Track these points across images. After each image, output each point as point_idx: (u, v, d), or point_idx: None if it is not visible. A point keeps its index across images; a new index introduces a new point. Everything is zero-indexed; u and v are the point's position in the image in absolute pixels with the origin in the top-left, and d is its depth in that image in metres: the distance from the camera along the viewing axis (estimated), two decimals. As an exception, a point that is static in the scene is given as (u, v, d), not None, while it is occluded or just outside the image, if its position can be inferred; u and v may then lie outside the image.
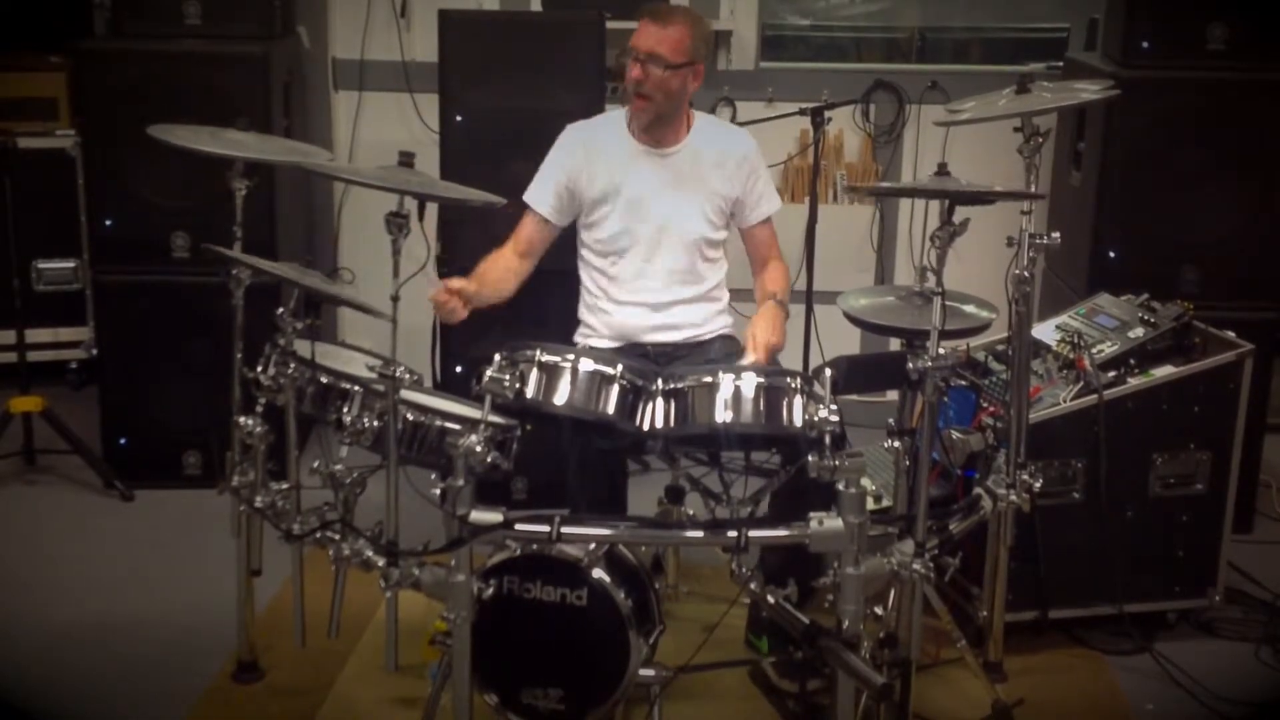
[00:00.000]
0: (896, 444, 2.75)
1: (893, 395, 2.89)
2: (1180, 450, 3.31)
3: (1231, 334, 3.37)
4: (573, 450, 3.01)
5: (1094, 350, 3.29)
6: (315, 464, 2.78)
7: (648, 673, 2.81)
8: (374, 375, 2.58)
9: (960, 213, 2.60)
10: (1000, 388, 3.26)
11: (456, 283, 3.12)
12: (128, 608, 3.48)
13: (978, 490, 2.97)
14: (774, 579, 2.77)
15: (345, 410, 2.70)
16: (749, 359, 3.11)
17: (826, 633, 2.50)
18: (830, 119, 4.34)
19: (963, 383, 3.25)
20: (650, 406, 2.64)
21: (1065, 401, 3.22)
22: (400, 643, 2.86)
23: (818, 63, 4.91)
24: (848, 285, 3.03)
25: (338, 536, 2.75)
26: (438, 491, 2.50)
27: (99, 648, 3.29)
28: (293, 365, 2.80)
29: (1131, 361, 3.29)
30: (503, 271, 3.36)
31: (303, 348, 2.84)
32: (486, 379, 2.56)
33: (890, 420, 2.77)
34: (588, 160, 3.37)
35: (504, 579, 2.77)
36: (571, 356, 2.66)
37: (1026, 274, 2.90)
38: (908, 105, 4.69)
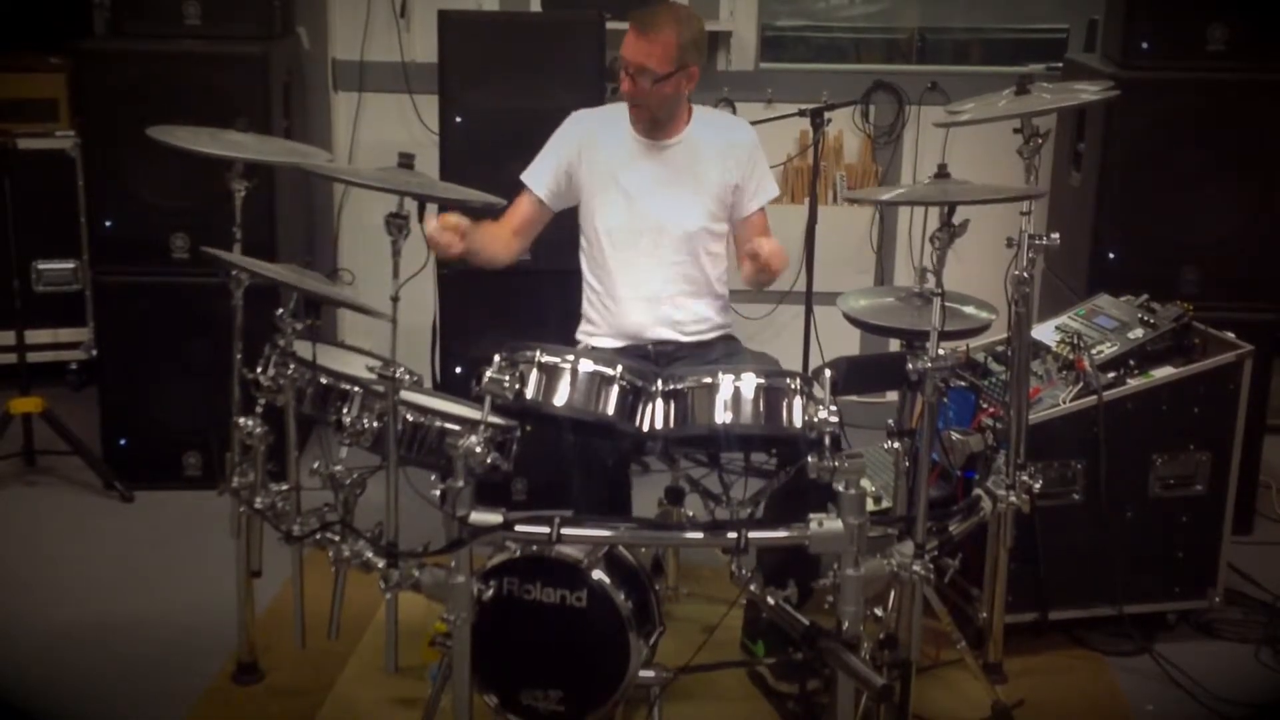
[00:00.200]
0: (896, 445, 2.75)
1: (892, 396, 2.89)
2: (1180, 451, 3.31)
3: (1231, 335, 3.37)
4: (573, 451, 3.01)
5: (1094, 351, 3.29)
6: (315, 465, 2.79)
7: (648, 674, 2.81)
8: (374, 376, 2.58)
9: (960, 214, 2.60)
10: (1000, 389, 3.26)
11: (453, 218, 3.07)
12: (128, 608, 3.48)
13: (977, 491, 2.97)
14: (773, 580, 2.77)
15: (345, 411, 2.70)
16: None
17: (826, 634, 2.51)
18: (830, 120, 4.33)
19: (962, 384, 3.26)
20: (650, 407, 2.64)
21: (1065, 402, 3.22)
22: (400, 644, 2.86)
23: (817, 63, 4.91)
24: (847, 286, 3.03)
25: (338, 538, 2.75)
26: (438, 492, 2.50)
27: (99, 648, 3.29)
28: (292, 366, 2.80)
29: (1131, 362, 3.30)
30: (497, 239, 3.34)
31: (303, 348, 2.84)
32: (486, 380, 2.56)
33: (890, 421, 2.77)
34: (589, 148, 3.37)
35: (504, 580, 2.77)
36: (571, 357, 2.66)
37: (1026, 275, 2.90)
38: (907, 106, 4.69)
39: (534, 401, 2.63)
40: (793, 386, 2.62)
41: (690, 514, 3.28)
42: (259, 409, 2.92)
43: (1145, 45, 3.85)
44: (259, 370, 2.83)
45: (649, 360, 3.27)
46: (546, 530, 2.48)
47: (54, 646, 3.30)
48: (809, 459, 2.46)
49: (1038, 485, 2.99)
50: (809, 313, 4.27)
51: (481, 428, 2.51)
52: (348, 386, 2.76)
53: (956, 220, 2.60)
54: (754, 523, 2.81)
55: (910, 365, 2.57)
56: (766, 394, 2.62)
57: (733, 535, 2.49)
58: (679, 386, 2.64)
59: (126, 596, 3.55)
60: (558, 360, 2.65)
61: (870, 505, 2.67)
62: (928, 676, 3.12)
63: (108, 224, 4.09)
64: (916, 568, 2.61)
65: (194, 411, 4.04)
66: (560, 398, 2.63)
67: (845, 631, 2.47)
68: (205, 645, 3.25)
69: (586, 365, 2.65)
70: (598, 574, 2.76)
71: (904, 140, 4.73)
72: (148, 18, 4.06)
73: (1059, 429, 3.20)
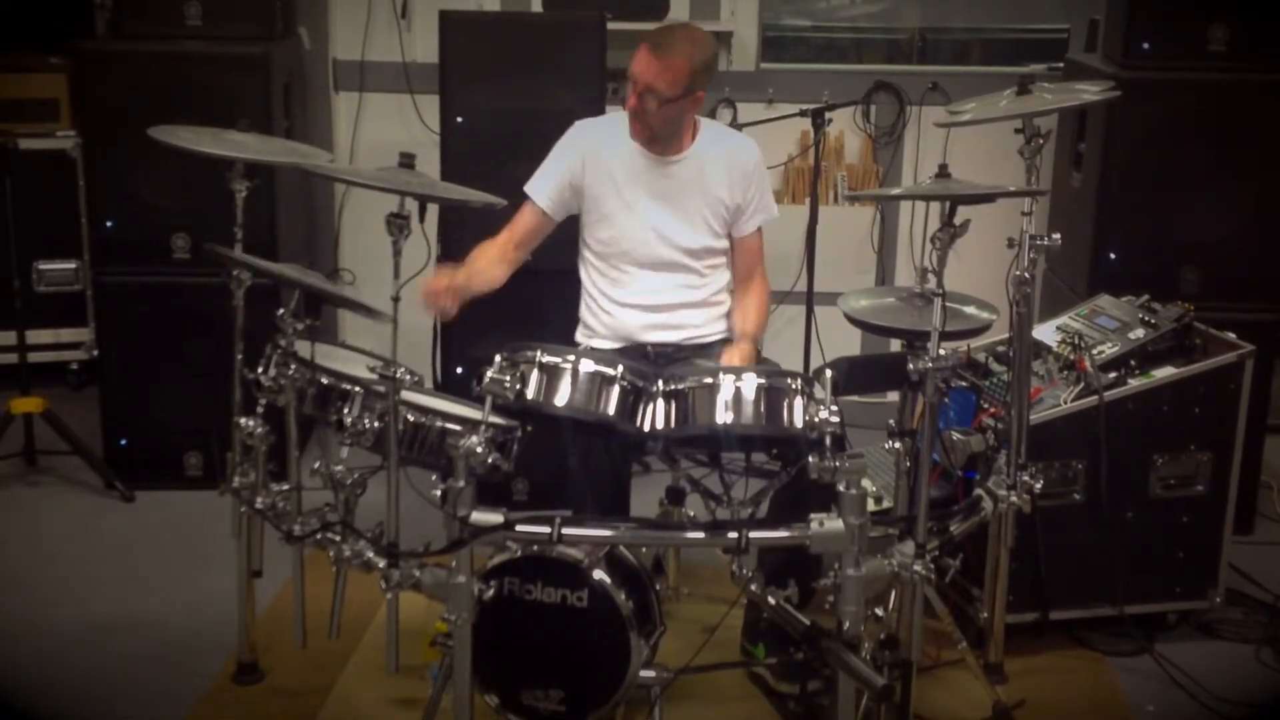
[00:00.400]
0: (897, 445, 2.75)
1: (893, 396, 2.89)
2: (1181, 451, 3.31)
3: (1232, 335, 3.37)
4: (573, 452, 3.01)
5: (1094, 351, 3.29)
6: (316, 465, 2.79)
7: (648, 674, 2.81)
8: (374, 376, 2.58)
9: (961, 214, 2.60)
10: (1001, 389, 3.26)
11: (443, 280, 3.08)
12: (128, 608, 3.48)
13: (978, 491, 2.97)
14: (774, 580, 2.77)
15: (346, 411, 2.70)
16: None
17: (827, 634, 2.50)
18: (831, 120, 4.34)
19: (963, 384, 3.26)
20: (651, 407, 2.64)
21: (1066, 403, 3.22)
22: (401, 644, 2.86)
23: (818, 64, 4.91)
24: (848, 286, 3.03)
25: (338, 538, 2.75)
26: (438, 493, 2.50)
27: (99, 648, 3.29)
28: (293, 366, 2.80)
29: (1132, 362, 3.29)
30: (493, 260, 3.33)
31: (304, 349, 2.84)
32: (487, 380, 2.56)
33: (891, 421, 2.77)
34: (593, 160, 3.37)
35: (505, 580, 2.77)
36: (572, 357, 2.66)
37: (1027, 275, 2.90)
38: (908, 106, 4.69)
39: (535, 402, 2.63)
40: (794, 387, 2.62)
41: (691, 514, 3.29)
42: (260, 409, 2.92)
43: (1146, 45, 3.85)
44: (260, 370, 2.83)
45: (649, 361, 3.27)
46: (547, 530, 2.48)
47: (54, 646, 3.30)
48: (810, 459, 2.46)
49: (1039, 485, 2.99)
50: (810, 313, 4.27)
51: (482, 428, 2.51)
52: (349, 387, 2.75)
53: (957, 220, 2.60)
54: (755, 523, 2.81)
55: (911, 365, 2.57)
56: (767, 394, 2.62)
57: (733, 535, 2.49)
58: (680, 386, 2.64)
59: (126, 596, 3.55)
60: (558, 360, 2.65)
61: (871, 505, 2.68)
62: (928, 676, 3.12)
63: (109, 224, 4.09)
64: (917, 568, 2.61)
65: (195, 411, 4.04)
66: (561, 398, 2.63)
67: (846, 632, 2.47)
68: (205, 645, 3.26)
69: (587, 365, 2.65)
70: (599, 574, 2.77)
71: (905, 140, 4.73)
72: (148, 18, 4.07)
73: (1060, 429, 3.20)
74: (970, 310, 2.81)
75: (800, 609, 2.72)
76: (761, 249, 3.47)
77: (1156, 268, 3.81)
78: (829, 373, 2.59)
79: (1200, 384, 3.29)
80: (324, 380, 2.79)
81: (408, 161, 2.67)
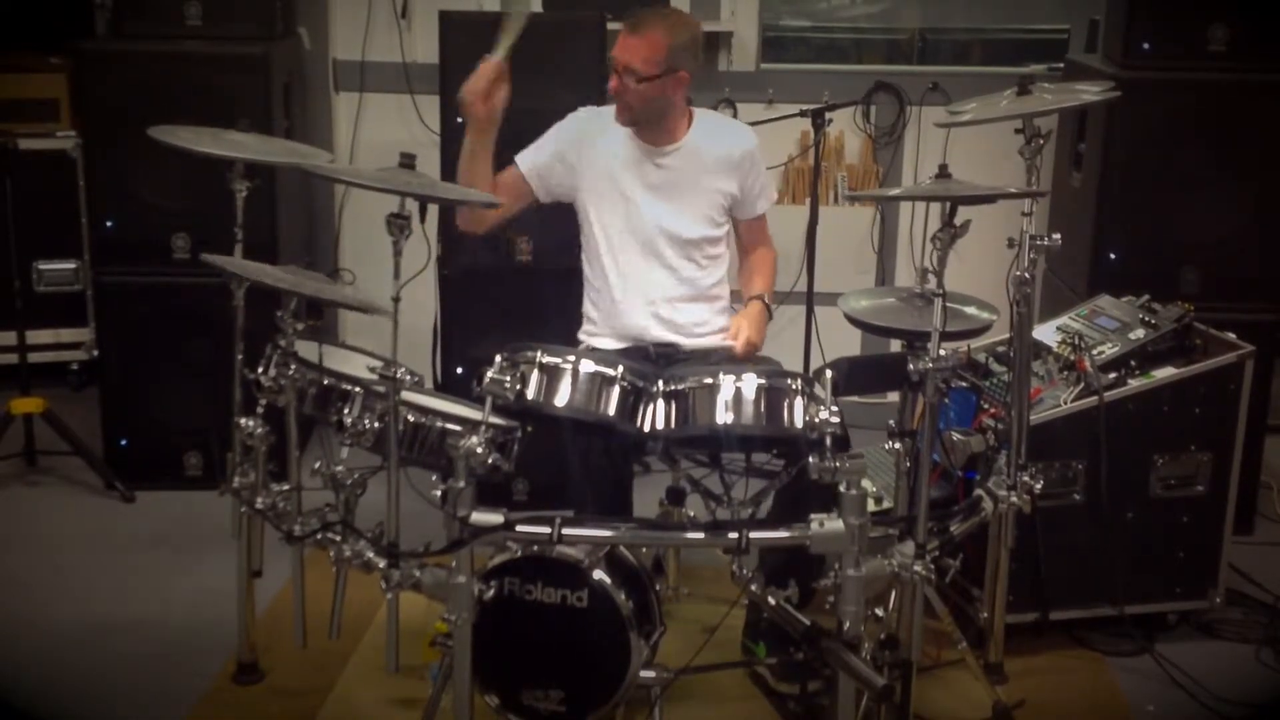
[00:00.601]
0: (897, 445, 2.75)
1: (893, 397, 2.89)
2: (1181, 451, 3.31)
3: (1232, 335, 3.37)
4: (574, 452, 3.01)
5: (1095, 351, 3.29)
6: (316, 465, 2.79)
7: (648, 674, 2.81)
8: (375, 376, 2.58)
9: (961, 214, 2.60)
10: (1001, 389, 3.26)
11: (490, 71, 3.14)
12: (128, 608, 3.49)
13: (978, 492, 2.97)
14: (775, 580, 2.77)
15: (346, 411, 2.70)
16: (724, 343, 3.17)
17: (827, 634, 2.50)
18: (831, 120, 4.34)
19: (963, 384, 3.26)
20: (651, 408, 2.64)
21: (1066, 403, 3.22)
22: (401, 644, 2.85)
23: (818, 64, 4.91)
24: (848, 287, 3.03)
25: (338, 538, 2.75)
26: (439, 493, 2.50)
27: (99, 648, 3.29)
28: (293, 366, 2.80)
29: (1132, 363, 3.29)
30: (487, 173, 3.35)
31: (304, 349, 2.84)
32: (487, 380, 2.56)
33: (891, 422, 2.77)
34: (588, 145, 3.37)
35: (505, 580, 2.76)
36: (572, 358, 2.66)
37: (1027, 275, 2.90)
38: (908, 107, 4.69)
39: (535, 402, 2.63)
40: (794, 387, 2.62)
41: (691, 514, 3.28)
42: (260, 409, 2.92)
43: (1146, 46, 3.85)
44: (260, 370, 2.83)
45: (650, 362, 3.27)
46: (547, 530, 2.48)
47: (54, 646, 3.30)
48: (810, 459, 2.46)
49: (1039, 485, 2.99)
50: (810, 313, 4.27)
51: (482, 428, 2.51)
52: (349, 387, 2.75)
53: (958, 221, 2.60)
54: (755, 523, 2.81)
55: (911, 366, 2.57)
56: (768, 394, 2.62)
57: (734, 535, 2.49)
58: (680, 387, 2.64)
59: (126, 596, 3.55)
60: (559, 361, 2.65)
61: (871, 505, 2.67)
62: (928, 677, 3.12)
63: (109, 224, 4.09)
64: (917, 568, 2.61)
65: (195, 412, 4.04)
66: (561, 398, 2.63)
67: (846, 632, 2.47)
68: (205, 645, 3.26)
69: (587, 366, 2.65)
70: (599, 574, 2.76)
71: (905, 141, 4.73)
72: (149, 18, 4.06)
73: (1060, 429, 3.20)
74: (970, 310, 2.81)
75: (800, 609, 2.72)
76: (766, 226, 3.50)
77: (1156, 268, 3.81)
78: (829, 373, 2.59)
79: (1200, 384, 3.29)
80: (324, 380, 2.79)
81: (408, 162, 2.67)
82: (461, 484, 2.46)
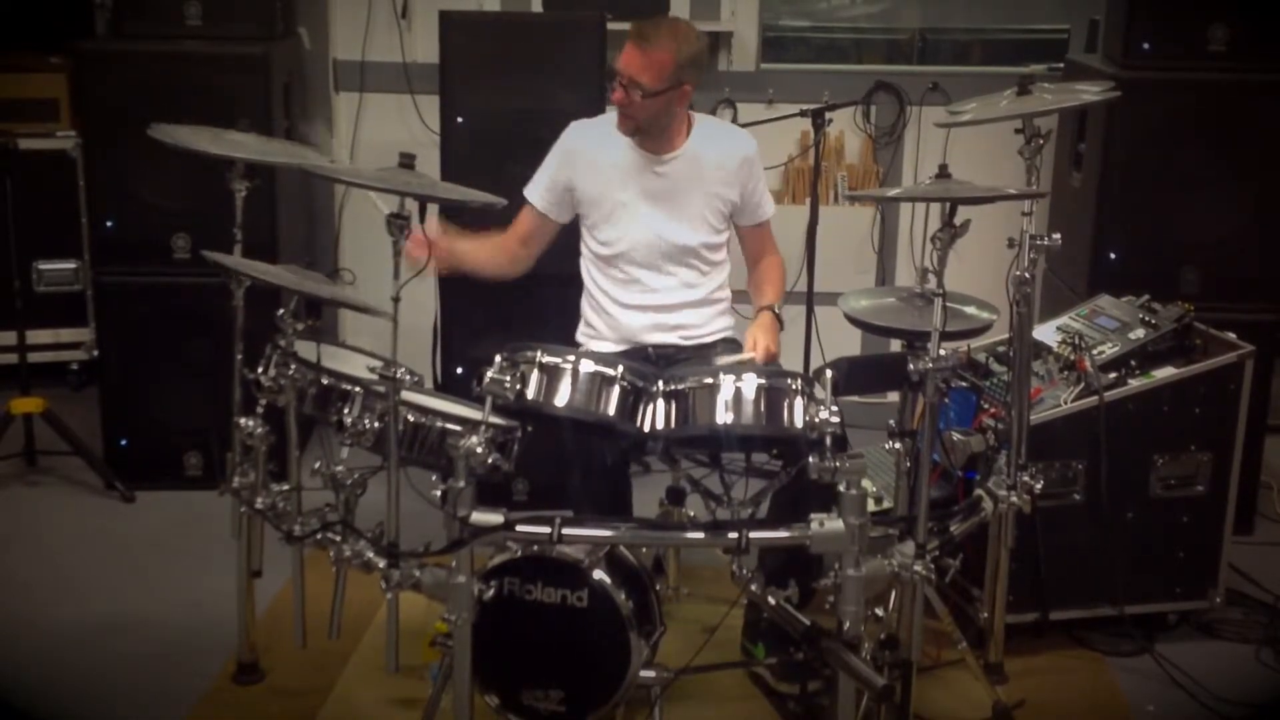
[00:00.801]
0: (897, 445, 2.75)
1: (893, 397, 2.89)
2: (1181, 451, 3.31)
3: (1232, 335, 3.37)
4: (574, 452, 3.01)
5: (1095, 351, 3.29)
6: (316, 465, 2.79)
7: (648, 674, 2.81)
8: (375, 376, 2.58)
9: (961, 214, 2.60)
10: (1001, 389, 3.26)
11: (434, 232, 3.07)
12: (128, 608, 3.48)
13: (978, 492, 2.97)
14: (775, 580, 2.77)
15: (346, 411, 2.70)
16: (746, 354, 3.15)
17: (827, 634, 2.50)
18: (831, 120, 4.34)
19: (963, 384, 3.26)
20: (651, 408, 2.65)
21: (1066, 403, 3.22)
22: (401, 644, 2.85)
23: (818, 64, 4.91)
24: (848, 286, 3.03)
25: (338, 538, 2.75)
26: (439, 493, 2.50)
27: (99, 648, 3.29)
28: (293, 366, 2.80)
29: (1132, 363, 3.29)
30: (491, 245, 3.38)
31: (304, 349, 2.84)
32: (487, 380, 2.56)
33: (891, 422, 2.77)
34: (586, 162, 3.37)
35: (505, 580, 2.77)
36: (572, 358, 2.66)
37: (1027, 275, 2.90)
38: (908, 107, 4.69)
39: (535, 402, 2.63)
40: (794, 387, 2.62)
41: (691, 514, 3.28)
42: (260, 409, 2.92)
43: (1146, 46, 3.85)
44: (260, 370, 2.83)
45: (650, 362, 3.27)
46: (547, 530, 2.48)
47: (54, 646, 3.30)
48: (810, 459, 2.46)
49: (1039, 485, 2.99)
50: (810, 313, 4.27)
51: (482, 428, 2.51)
52: (349, 387, 2.75)
53: (958, 220, 2.59)
54: (755, 523, 2.81)
55: (911, 366, 2.57)
56: (768, 394, 2.62)
57: (733, 535, 2.49)
58: (680, 387, 2.65)
59: (126, 596, 3.55)
60: (559, 361, 2.65)
61: (871, 505, 2.68)
62: (928, 677, 3.12)
63: (109, 224, 4.09)
64: (917, 568, 2.61)
65: (195, 412, 4.04)
66: (561, 398, 2.64)
67: (846, 632, 2.47)
68: (205, 645, 3.26)
69: (587, 366, 2.65)
70: (598, 574, 2.76)
71: (905, 141, 4.73)
72: (148, 18, 4.07)
73: (1060, 429, 3.20)
74: (970, 310, 2.81)
75: (800, 609, 2.72)
76: (770, 233, 3.49)
77: (1156, 268, 3.81)
78: (829, 373, 2.59)
79: (1200, 384, 3.29)
80: (324, 380, 2.79)
81: (408, 162, 2.67)
82: (461, 484, 2.46)
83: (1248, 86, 3.80)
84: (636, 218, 3.35)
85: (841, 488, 2.44)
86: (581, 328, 3.49)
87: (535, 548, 2.76)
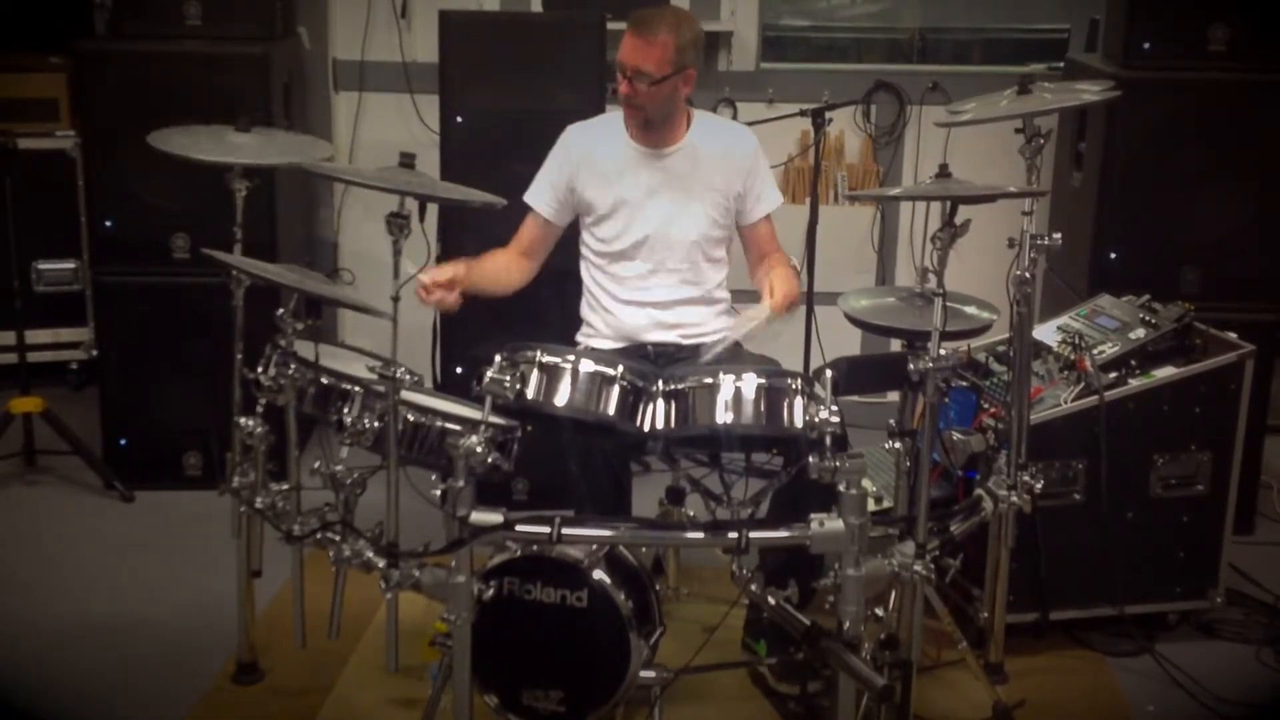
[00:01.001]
0: (897, 445, 2.75)
1: (894, 396, 2.88)
2: (1181, 451, 3.31)
3: (1233, 335, 3.37)
4: (574, 452, 3.01)
5: (1095, 351, 3.29)
6: (316, 465, 2.78)
7: (648, 674, 2.81)
8: (374, 376, 2.58)
9: (962, 214, 2.60)
10: (1001, 389, 3.26)
11: (439, 273, 3.09)
12: (128, 608, 3.48)
13: (979, 491, 2.97)
14: (774, 580, 2.77)
15: (346, 411, 2.70)
16: (764, 304, 3.13)
17: (827, 634, 2.50)
18: (831, 120, 4.32)
19: (964, 384, 3.26)
20: (651, 407, 2.64)
21: (1066, 402, 3.22)
22: (400, 644, 2.86)
23: (818, 63, 4.91)
24: (848, 286, 3.03)
25: (338, 537, 2.75)
26: (438, 492, 2.50)
27: (99, 648, 3.29)
28: (293, 366, 2.80)
29: (1132, 362, 3.29)
30: (501, 268, 3.37)
31: (304, 348, 2.84)
32: (487, 380, 2.56)
33: (891, 421, 2.77)
34: (586, 162, 3.37)
35: (504, 580, 2.76)
36: (572, 357, 2.65)
37: (1028, 275, 2.90)
38: (909, 106, 4.69)
39: (535, 401, 2.63)
40: (794, 387, 2.62)
41: (691, 514, 3.28)
42: (259, 409, 2.92)
43: (1146, 45, 3.85)
44: (260, 370, 2.83)
45: (649, 361, 3.27)
46: (547, 530, 2.48)
47: (54, 646, 3.29)
48: (810, 459, 2.45)
49: (1039, 485, 2.99)
50: (810, 313, 4.26)
51: (482, 428, 2.51)
52: (348, 386, 2.75)
53: (958, 220, 2.59)
54: (755, 523, 2.81)
55: (911, 365, 2.57)
56: (768, 394, 2.62)
57: (733, 535, 2.49)
58: (680, 386, 2.64)
59: (126, 597, 3.55)
60: (558, 360, 2.64)
61: (871, 505, 2.67)
62: (929, 677, 3.12)
63: (108, 224, 4.09)
64: (918, 568, 2.61)
65: (195, 411, 4.04)
66: (561, 398, 2.63)
67: (846, 632, 2.47)
68: (205, 645, 3.25)
69: (587, 365, 2.65)
70: (598, 574, 2.76)
71: (905, 140, 4.73)
72: (148, 18, 4.07)
73: (1060, 429, 3.20)
74: (970, 310, 2.81)
75: (800, 609, 2.72)
76: (774, 234, 3.47)
77: (1156, 268, 3.81)
78: (829, 373, 2.59)
79: (1200, 384, 3.29)
80: (324, 380, 2.79)
81: (408, 161, 2.67)
82: (461, 484, 2.46)
83: (1248, 86, 3.80)
84: (638, 213, 3.35)
85: (841, 487, 2.44)
86: (581, 329, 3.48)
87: (535, 547, 2.76)
